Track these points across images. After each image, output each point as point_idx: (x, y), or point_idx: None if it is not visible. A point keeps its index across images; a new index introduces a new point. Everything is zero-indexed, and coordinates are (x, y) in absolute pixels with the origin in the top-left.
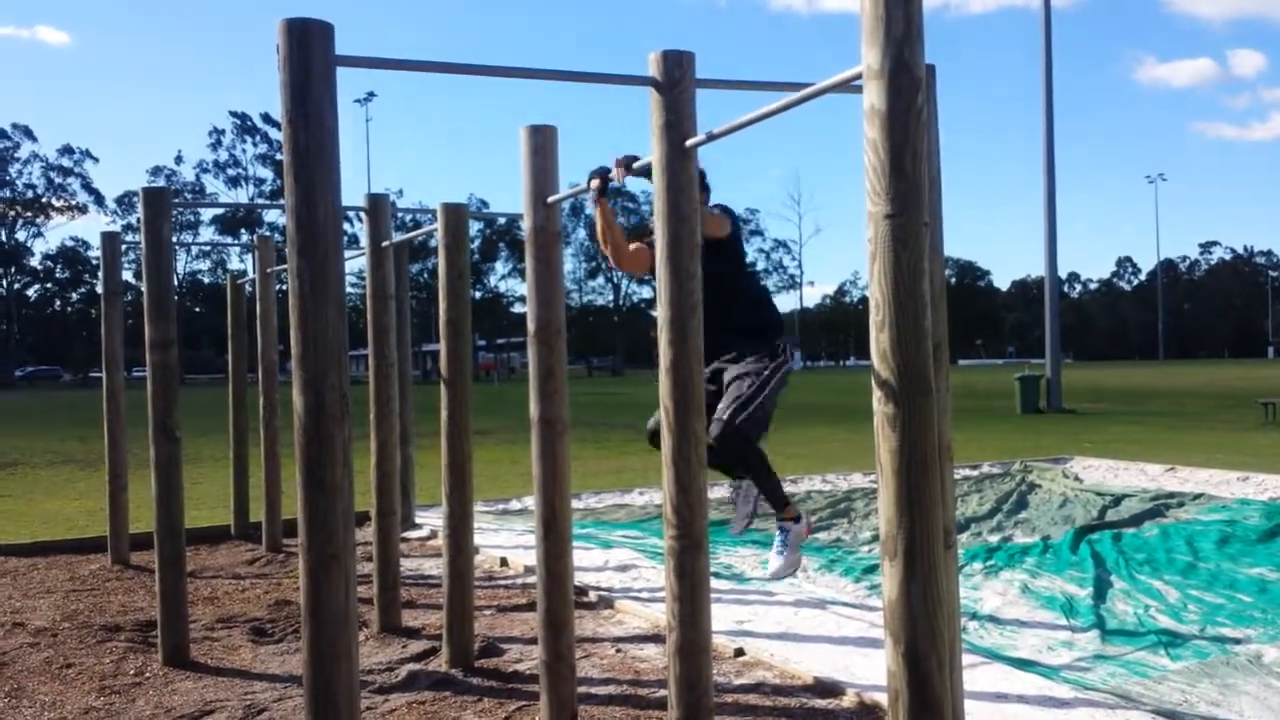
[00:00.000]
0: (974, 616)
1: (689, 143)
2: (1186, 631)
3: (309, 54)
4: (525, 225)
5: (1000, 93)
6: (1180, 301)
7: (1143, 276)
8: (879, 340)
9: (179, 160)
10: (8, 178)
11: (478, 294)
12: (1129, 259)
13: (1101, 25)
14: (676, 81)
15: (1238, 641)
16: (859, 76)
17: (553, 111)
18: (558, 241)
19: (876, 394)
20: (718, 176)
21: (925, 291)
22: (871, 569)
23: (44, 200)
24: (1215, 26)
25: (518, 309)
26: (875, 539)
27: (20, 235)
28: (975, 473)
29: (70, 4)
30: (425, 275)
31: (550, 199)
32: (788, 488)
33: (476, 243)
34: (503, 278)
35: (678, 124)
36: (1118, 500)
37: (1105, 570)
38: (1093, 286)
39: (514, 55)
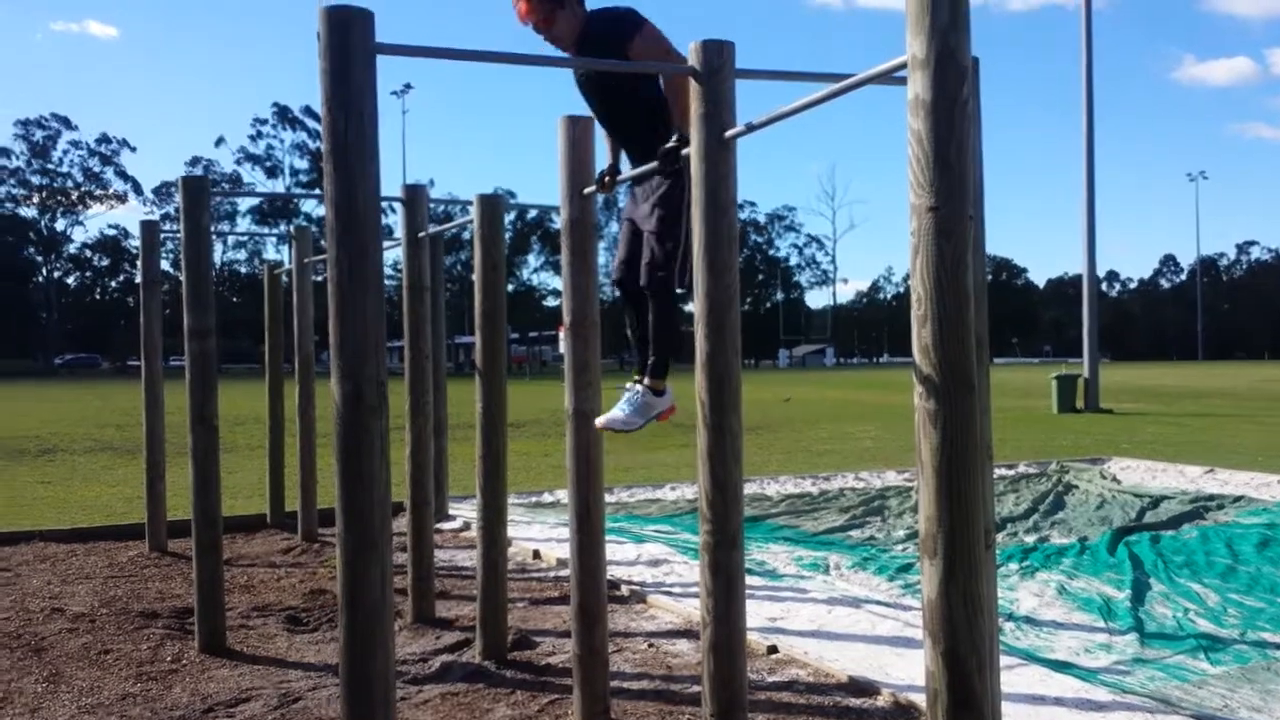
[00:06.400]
0: (1010, 617)
1: (728, 133)
2: (1227, 636)
3: (349, 41)
4: (561, 218)
5: (1039, 90)
6: (1219, 301)
7: (1182, 276)
8: (920, 335)
9: (219, 143)
10: (48, 166)
11: (510, 287)
12: (1171, 257)
13: (1140, 24)
14: (716, 70)
15: (1279, 646)
16: (902, 66)
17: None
18: (593, 234)
19: (918, 389)
20: (754, 173)
21: (968, 286)
22: (906, 568)
23: (81, 189)
24: (1253, 26)
25: (550, 302)
26: (909, 537)
27: (59, 224)
28: (1011, 472)
29: None
30: (459, 267)
31: (587, 191)
32: (821, 485)
33: (509, 235)
34: (535, 270)
35: (717, 114)
36: (1156, 502)
37: (1143, 572)
38: (1131, 285)
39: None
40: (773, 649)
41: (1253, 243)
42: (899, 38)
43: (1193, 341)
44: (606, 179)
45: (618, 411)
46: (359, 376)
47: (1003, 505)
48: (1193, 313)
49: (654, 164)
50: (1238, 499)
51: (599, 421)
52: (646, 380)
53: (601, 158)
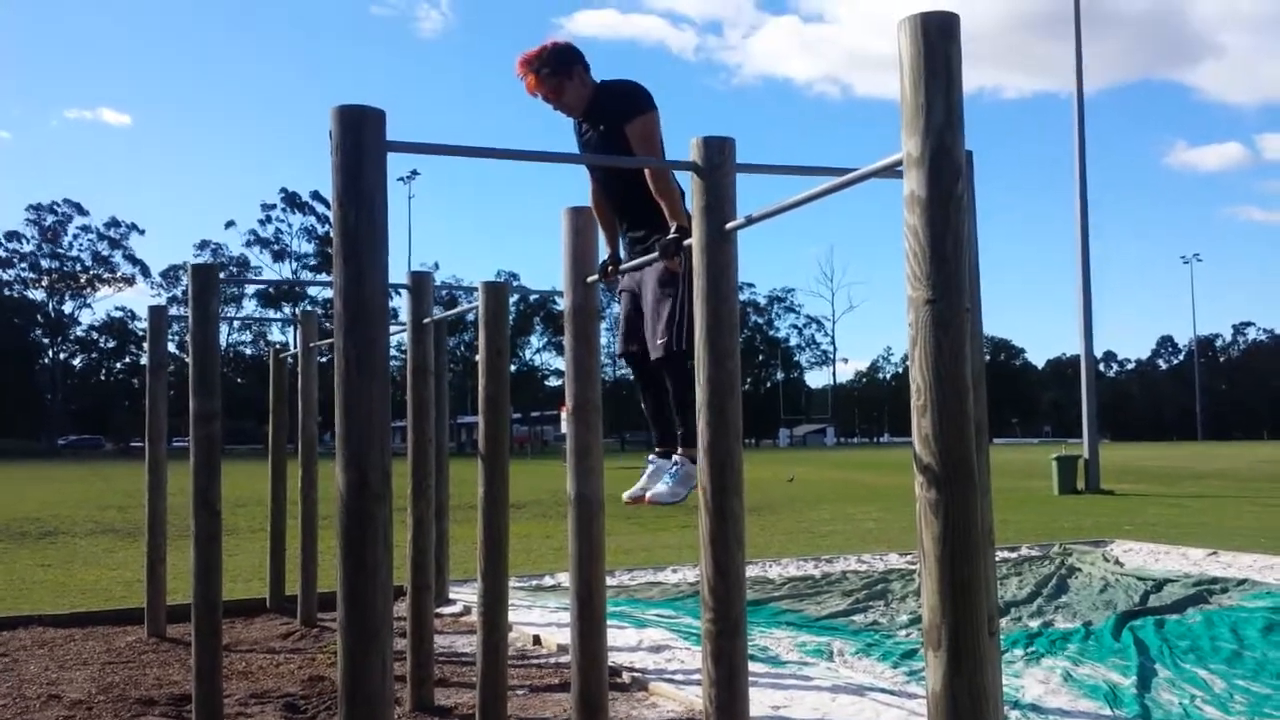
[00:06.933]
0: (1016, 705)
1: (729, 226)
2: None
3: (361, 141)
4: (565, 304)
5: (1034, 175)
6: (1217, 381)
7: (1180, 356)
8: (920, 425)
9: (229, 226)
10: (59, 250)
11: (513, 367)
12: (1169, 338)
13: (1132, 111)
14: (717, 166)
15: None
16: (899, 163)
17: (585, 193)
18: (596, 320)
19: (919, 479)
20: (753, 255)
21: (967, 376)
22: (910, 653)
23: (90, 272)
24: (1244, 112)
25: (552, 382)
26: (913, 622)
27: (67, 307)
28: (1014, 555)
29: (132, 87)
30: (462, 348)
31: (589, 279)
32: (823, 567)
33: (512, 316)
34: (537, 351)
35: (718, 207)
36: (1160, 585)
37: (1149, 658)
38: (1129, 366)
39: (546, 137)
40: None
41: (1249, 324)
42: (897, 125)
43: (1191, 421)
44: (609, 268)
45: (661, 485)
46: (364, 464)
47: (1006, 589)
48: (1191, 393)
49: (654, 255)
50: (1241, 582)
51: (648, 496)
52: (682, 450)
53: (602, 247)
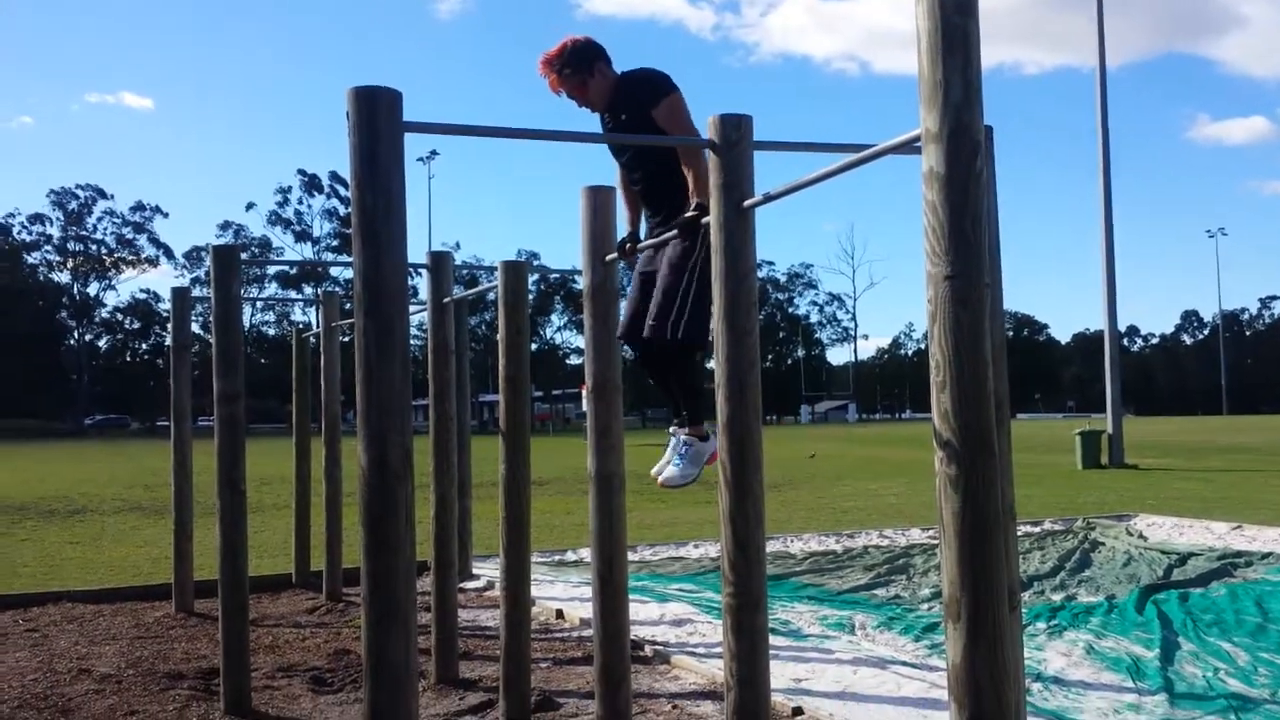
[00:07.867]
0: (1038, 678)
1: (747, 203)
2: (1257, 696)
3: (377, 121)
4: (584, 283)
5: (1057, 150)
6: (1242, 355)
7: (1205, 331)
8: (940, 401)
9: (250, 208)
10: (83, 233)
11: (534, 346)
12: (1194, 312)
13: (1154, 86)
14: (734, 144)
15: None
16: (918, 139)
17: (604, 172)
18: (616, 299)
19: (939, 454)
20: (773, 233)
21: (987, 352)
22: (932, 627)
23: (115, 256)
24: (1268, 86)
25: (573, 360)
26: (935, 596)
27: (92, 289)
28: (1037, 529)
29: (153, 71)
30: (483, 327)
31: (608, 257)
32: (845, 542)
33: (532, 296)
34: (558, 329)
35: (736, 185)
36: (1184, 559)
37: (1172, 631)
38: (1154, 340)
39: (566, 117)
40: (798, 711)
41: (1274, 297)
42: (917, 101)
43: (1216, 395)
44: (628, 246)
45: (672, 469)
46: (385, 444)
47: (1029, 563)
48: (1216, 367)
49: (673, 232)
50: (1266, 556)
51: (660, 481)
52: (686, 431)
53: (621, 226)
